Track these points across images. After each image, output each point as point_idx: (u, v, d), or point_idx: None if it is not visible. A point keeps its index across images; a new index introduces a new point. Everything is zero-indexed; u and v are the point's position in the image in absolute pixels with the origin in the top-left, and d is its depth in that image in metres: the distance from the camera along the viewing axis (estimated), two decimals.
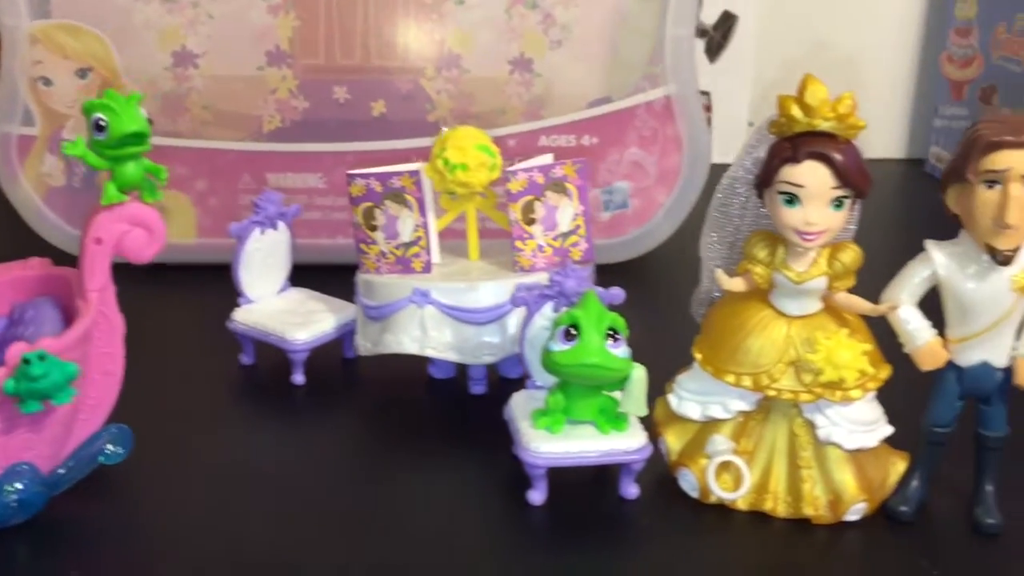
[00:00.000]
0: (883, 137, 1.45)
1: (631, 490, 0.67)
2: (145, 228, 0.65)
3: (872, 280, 0.65)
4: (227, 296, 0.85)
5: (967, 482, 0.66)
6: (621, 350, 0.63)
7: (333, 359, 0.85)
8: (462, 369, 0.82)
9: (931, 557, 0.62)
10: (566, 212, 0.77)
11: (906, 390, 0.65)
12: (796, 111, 0.60)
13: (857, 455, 0.64)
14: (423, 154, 1.00)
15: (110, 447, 0.67)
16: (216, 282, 0.96)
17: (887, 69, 1.43)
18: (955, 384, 0.63)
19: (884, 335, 0.65)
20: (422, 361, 0.81)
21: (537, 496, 0.66)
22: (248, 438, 0.75)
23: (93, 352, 0.65)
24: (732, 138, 1.36)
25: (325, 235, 1.03)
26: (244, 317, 0.82)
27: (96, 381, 0.66)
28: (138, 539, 0.64)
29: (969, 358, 0.62)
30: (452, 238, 0.82)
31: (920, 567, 0.61)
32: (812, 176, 0.60)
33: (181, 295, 0.98)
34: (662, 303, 0.95)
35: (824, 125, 0.60)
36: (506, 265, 0.79)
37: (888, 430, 0.65)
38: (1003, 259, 0.59)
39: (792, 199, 0.60)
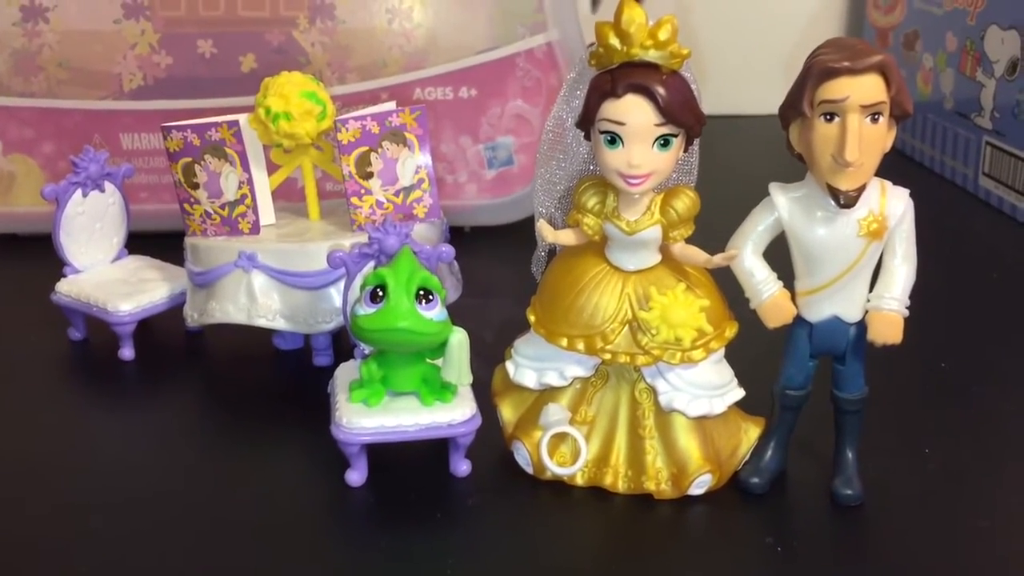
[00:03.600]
0: None
1: (461, 467, 0.60)
2: None
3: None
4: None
5: (827, 449, 0.60)
6: (435, 312, 0.57)
7: (175, 332, 0.78)
8: (310, 339, 0.75)
9: (781, 533, 0.56)
10: (407, 165, 0.71)
11: (763, 350, 0.59)
12: (613, 39, 0.53)
13: (704, 422, 0.58)
14: None
15: None
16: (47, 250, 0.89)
17: (814, 18, 1.36)
18: (806, 341, 0.57)
19: (736, 289, 0.58)
20: (268, 332, 0.75)
21: (355, 476, 0.60)
22: (73, 423, 0.69)
23: None
24: None
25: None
26: (68, 288, 0.76)
27: None
28: None
29: (818, 312, 0.56)
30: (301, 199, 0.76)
31: (762, 543, 0.55)
32: (633, 112, 0.53)
33: (24, 266, 0.91)
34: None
35: (644, 55, 0.53)
36: (347, 225, 0.72)
37: (739, 394, 0.59)
38: (846, 200, 0.53)
39: (614, 139, 0.54)
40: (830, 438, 0.60)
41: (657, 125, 0.53)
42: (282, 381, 0.73)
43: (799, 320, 0.57)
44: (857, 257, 0.54)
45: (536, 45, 0.94)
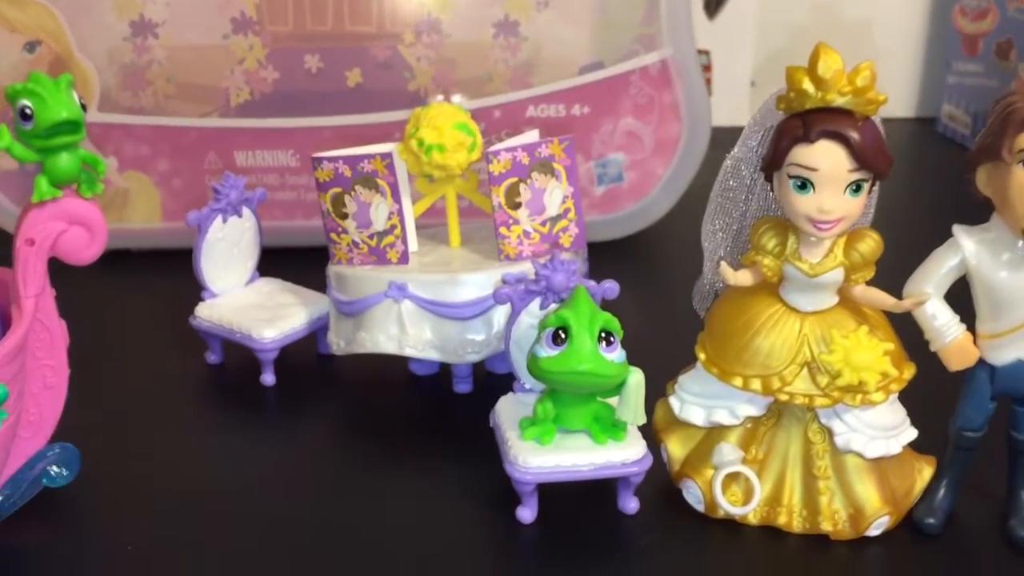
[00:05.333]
0: (892, 95, 1.37)
1: (631, 504, 0.61)
2: (84, 226, 0.58)
3: (885, 259, 0.58)
4: (196, 285, 0.79)
5: (997, 488, 0.60)
6: (616, 354, 0.57)
7: (307, 355, 0.79)
8: (446, 364, 0.76)
9: (962, 574, 0.56)
10: (554, 195, 0.70)
11: (929, 388, 0.59)
12: (808, 85, 0.53)
13: (879, 463, 0.58)
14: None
15: (54, 468, 0.61)
16: (184, 270, 0.89)
17: (895, 22, 1.35)
18: (987, 384, 0.57)
19: (904, 327, 0.58)
20: (401, 356, 0.75)
21: (527, 514, 0.60)
22: (213, 449, 0.69)
23: (31, 364, 0.59)
24: (734, 100, 1.29)
25: (300, 216, 0.97)
26: (208, 313, 0.76)
27: (36, 396, 0.60)
28: (87, 572, 0.58)
29: (1003, 356, 0.56)
30: (429, 218, 0.76)
31: None
32: (827, 158, 0.53)
33: (145, 284, 0.92)
34: (660, 286, 0.88)
35: (839, 101, 0.53)
36: (490, 253, 0.72)
37: (912, 434, 0.59)
38: None
39: (804, 184, 0.54)
40: (998, 477, 0.60)
41: (850, 171, 0.53)
42: (423, 408, 0.73)
43: (981, 362, 0.56)
44: None
45: (651, 63, 0.93)
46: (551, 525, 0.60)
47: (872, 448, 0.58)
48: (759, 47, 1.30)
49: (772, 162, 0.55)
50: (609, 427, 0.59)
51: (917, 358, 0.58)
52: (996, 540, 0.58)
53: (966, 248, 0.55)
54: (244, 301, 0.77)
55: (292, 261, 0.82)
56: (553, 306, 0.62)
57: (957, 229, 0.56)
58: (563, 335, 0.56)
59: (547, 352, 0.56)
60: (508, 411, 0.63)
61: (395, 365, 0.76)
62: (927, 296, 0.56)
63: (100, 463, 0.65)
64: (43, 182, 0.57)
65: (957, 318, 0.56)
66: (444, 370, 0.76)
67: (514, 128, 0.93)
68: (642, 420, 0.58)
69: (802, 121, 0.53)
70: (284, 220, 0.96)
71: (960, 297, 0.57)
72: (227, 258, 0.77)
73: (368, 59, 0.96)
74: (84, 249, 0.59)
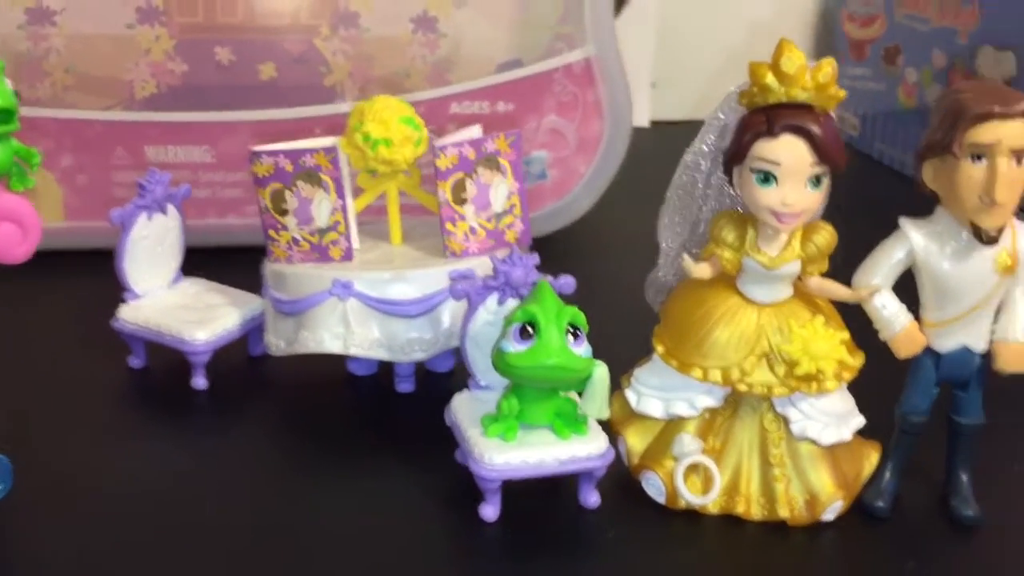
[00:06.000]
0: None
1: (592, 498, 0.61)
2: (15, 223, 0.55)
3: None
4: (105, 287, 0.75)
5: (933, 470, 0.62)
6: (583, 348, 0.57)
7: (236, 358, 0.76)
8: (385, 364, 0.74)
9: (913, 554, 0.58)
10: (499, 190, 0.70)
11: (870, 376, 0.61)
12: (771, 80, 0.54)
13: (832, 450, 0.60)
14: (324, 124, 0.92)
15: None
16: (90, 271, 0.85)
17: (787, 26, 1.40)
18: (932, 370, 0.59)
19: (848, 317, 0.60)
20: (337, 357, 0.73)
21: (490, 511, 0.59)
22: (145, 456, 0.66)
23: None
24: (636, 101, 1.30)
25: (214, 214, 0.93)
26: (132, 315, 0.72)
27: None
28: None
29: (948, 343, 0.58)
30: (365, 215, 0.74)
31: (904, 567, 0.57)
32: (790, 152, 0.54)
33: (50, 288, 0.86)
34: (586, 282, 0.88)
35: (802, 96, 0.54)
36: (433, 250, 0.71)
37: (861, 421, 0.61)
38: (989, 238, 0.55)
39: (767, 177, 0.55)
40: (932, 459, 0.62)
41: (811, 165, 0.55)
42: (365, 408, 0.72)
43: (927, 350, 0.59)
44: (991, 292, 0.57)
45: (575, 60, 0.94)
46: (512, 522, 0.60)
47: (826, 435, 0.59)
48: (659, 49, 1.33)
49: (734, 156, 0.56)
50: (572, 422, 0.59)
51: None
52: (940, 520, 0.61)
53: (914, 240, 0.57)
54: (170, 302, 0.74)
55: (206, 261, 0.79)
56: (512, 302, 0.62)
57: (904, 222, 0.58)
58: (531, 330, 0.56)
59: (515, 347, 0.56)
60: (465, 408, 0.62)
61: (332, 366, 0.74)
62: (879, 287, 0.57)
63: (24, 474, 0.60)
64: None
65: (904, 308, 0.58)
66: (383, 369, 0.74)
67: (438, 125, 0.92)
68: (607, 414, 0.58)
69: (765, 116, 0.54)
70: (196, 219, 0.92)
71: (902, 286, 0.59)
72: (151, 257, 0.73)
73: (282, 53, 0.93)
74: (16, 247, 0.55)
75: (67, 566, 0.55)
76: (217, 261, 0.79)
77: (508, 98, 0.94)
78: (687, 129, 0.64)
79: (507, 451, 0.58)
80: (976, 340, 0.58)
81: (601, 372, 0.57)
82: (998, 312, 0.58)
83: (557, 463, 0.58)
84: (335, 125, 0.90)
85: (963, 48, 1.13)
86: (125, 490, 0.62)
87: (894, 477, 0.62)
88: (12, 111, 0.52)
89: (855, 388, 0.62)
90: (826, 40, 1.40)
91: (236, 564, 0.56)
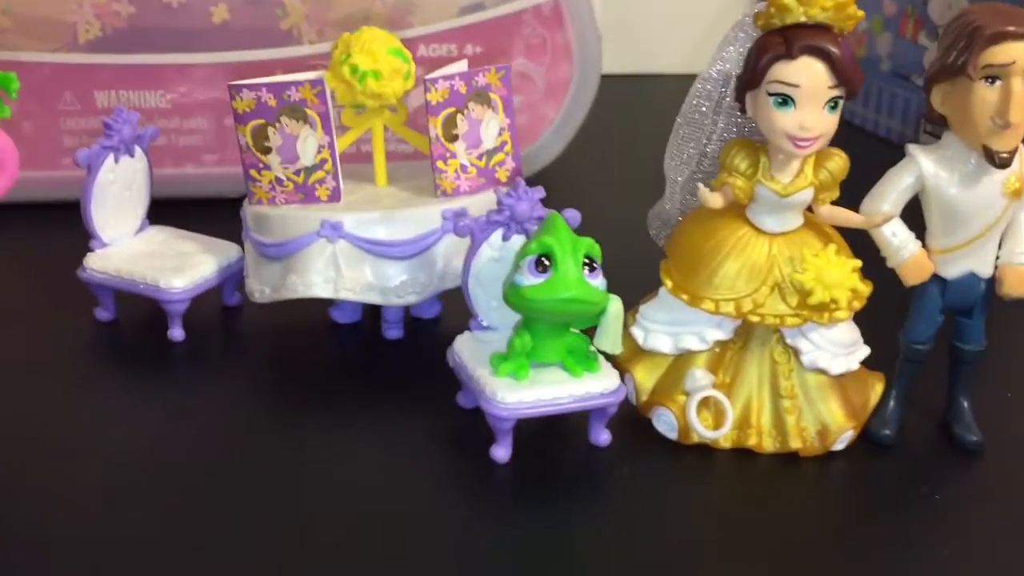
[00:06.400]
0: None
1: (602, 436, 0.59)
2: None
3: None
4: (60, 238, 0.71)
5: (927, 397, 0.63)
6: (599, 280, 0.55)
7: (209, 309, 0.72)
8: (370, 310, 0.71)
9: (922, 479, 0.59)
10: (491, 126, 0.68)
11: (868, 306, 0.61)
12: (789, 0, 0.53)
13: (840, 380, 0.60)
14: (283, 67, 0.88)
15: None
16: (43, 223, 0.81)
17: None
18: (938, 297, 0.59)
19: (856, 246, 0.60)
20: (319, 304, 0.70)
21: (502, 452, 0.57)
22: (122, 413, 0.62)
23: None
24: None
25: (170, 164, 0.88)
26: (102, 264, 0.68)
27: None
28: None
29: (955, 269, 0.58)
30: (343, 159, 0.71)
31: (918, 493, 0.58)
32: (808, 74, 0.53)
33: (2, 241, 0.81)
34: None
35: (821, 16, 0.53)
36: (421, 190, 0.68)
37: (866, 351, 0.61)
38: (1002, 161, 0.55)
39: (785, 100, 0.54)
40: (931, 387, 0.62)
41: (830, 87, 0.54)
42: (355, 357, 0.69)
43: (933, 277, 0.59)
44: (999, 216, 0.57)
45: (544, 1, 0.91)
46: (523, 463, 0.58)
47: (836, 365, 0.59)
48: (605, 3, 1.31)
49: (750, 80, 0.55)
50: (583, 358, 0.58)
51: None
52: (944, 446, 0.61)
53: (923, 165, 0.57)
54: (139, 250, 0.70)
55: (163, 213, 0.74)
56: (516, 238, 0.60)
57: (912, 148, 0.58)
58: (546, 262, 0.54)
59: (530, 280, 0.54)
60: (469, 349, 0.60)
61: (312, 314, 0.71)
62: (892, 214, 0.57)
63: None
64: None
65: (912, 235, 0.58)
66: (367, 316, 0.72)
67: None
68: (620, 349, 0.57)
69: (783, 37, 0.53)
70: (161, 168, 0.88)
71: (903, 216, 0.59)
72: (119, 203, 0.69)
73: None
74: None
75: (41, 541, 0.52)
76: (175, 213, 0.75)
77: (476, 40, 0.91)
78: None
79: (520, 390, 0.56)
80: (982, 266, 0.58)
81: (616, 306, 0.56)
82: (1003, 237, 0.58)
83: (572, 400, 0.57)
84: (293, 69, 0.86)
85: None
86: (111, 448, 0.58)
87: (898, 406, 0.62)
88: None
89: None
90: None
91: (239, 517, 0.53)
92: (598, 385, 0.57)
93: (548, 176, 0.96)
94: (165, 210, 0.74)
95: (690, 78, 0.62)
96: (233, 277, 0.71)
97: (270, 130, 0.64)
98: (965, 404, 0.62)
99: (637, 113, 1.13)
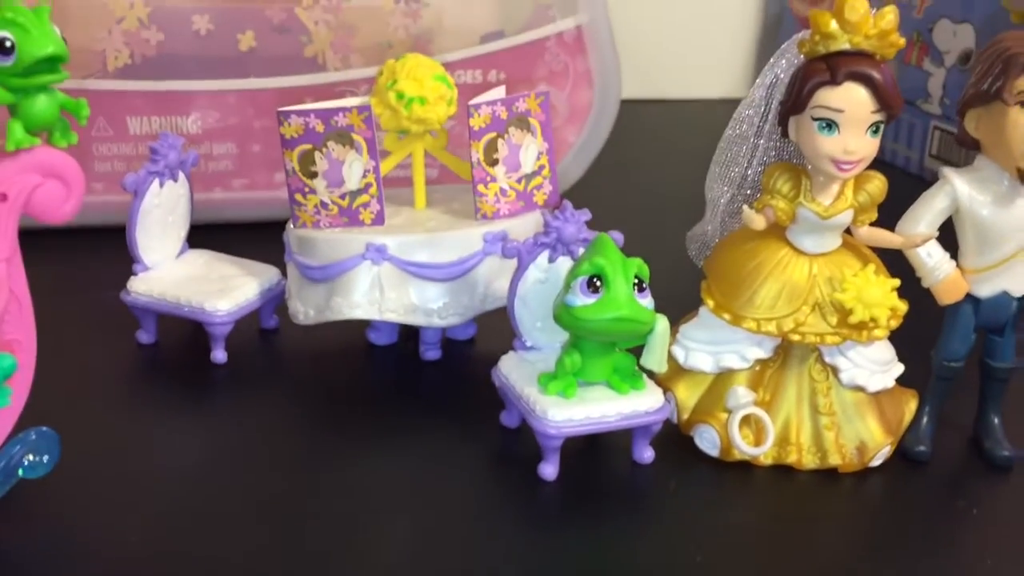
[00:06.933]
0: (730, 76, 1.44)
1: (646, 454, 0.61)
2: (60, 179, 0.51)
3: None
4: (99, 262, 0.72)
5: (956, 414, 0.64)
6: (647, 300, 0.56)
7: (248, 332, 0.73)
8: (406, 332, 0.72)
9: (959, 494, 0.60)
10: (529, 151, 0.69)
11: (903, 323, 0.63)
12: (834, 28, 0.55)
13: (877, 396, 0.61)
14: (311, 94, 0.89)
15: (30, 457, 0.53)
16: (72, 249, 0.81)
17: (729, 6, 1.42)
18: (971, 316, 0.61)
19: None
20: (356, 326, 0.71)
21: (550, 470, 0.59)
22: (170, 434, 0.63)
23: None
24: None
25: (201, 189, 0.89)
26: (145, 287, 0.69)
27: None
28: (40, 566, 0.51)
29: (988, 288, 0.60)
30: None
31: (955, 507, 0.59)
32: (852, 99, 0.55)
33: (35, 266, 0.82)
34: None
35: (865, 44, 0.55)
36: (459, 213, 0.70)
37: (900, 368, 0.63)
38: None
39: (830, 125, 0.56)
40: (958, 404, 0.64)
41: (872, 112, 0.56)
42: (394, 377, 0.70)
43: (967, 296, 0.60)
44: None
45: (566, 29, 0.93)
46: (570, 481, 0.59)
47: (874, 382, 0.61)
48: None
49: (795, 105, 0.56)
50: (629, 376, 0.59)
51: None
52: (977, 461, 0.63)
53: (958, 187, 0.59)
54: (182, 273, 0.71)
55: (195, 237, 0.75)
56: (563, 260, 0.61)
57: (947, 171, 0.59)
58: (598, 283, 0.55)
59: (582, 300, 0.55)
60: (515, 368, 0.61)
61: (349, 336, 0.73)
62: (932, 234, 0.59)
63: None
64: (17, 128, 0.50)
65: (947, 255, 0.60)
66: (402, 338, 0.73)
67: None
68: (666, 367, 0.58)
69: (827, 64, 0.55)
70: None
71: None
72: (161, 227, 0.70)
73: (262, 21, 0.90)
74: (61, 205, 0.52)
75: (100, 551, 0.52)
76: (204, 236, 0.76)
77: (500, 67, 0.93)
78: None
79: (569, 408, 0.57)
80: (1016, 285, 0.60)
81: (664, 325, 0.57)
82: None
83: (619, 417, 0.58)
84: (319, 95, 0.88)
85: (920, 22, 1.16)
86: (166, 465, 0.59)
87: (931, 422, 0.63)
88: (62, 59, 0.49)
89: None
90: (774, 21, 1.42)
91: (288, 535, 0.54)
92: (644, 403, 0.59)
93: (569, 199, 0.97)
94: (196, 234, 0.75)
95: (704, 103, 0.63)
96: (273, 300, 0.72)
97: (317, 155, 0.65)
98: (995, 420, 0.63)
99: (650, 137, 1.15)
